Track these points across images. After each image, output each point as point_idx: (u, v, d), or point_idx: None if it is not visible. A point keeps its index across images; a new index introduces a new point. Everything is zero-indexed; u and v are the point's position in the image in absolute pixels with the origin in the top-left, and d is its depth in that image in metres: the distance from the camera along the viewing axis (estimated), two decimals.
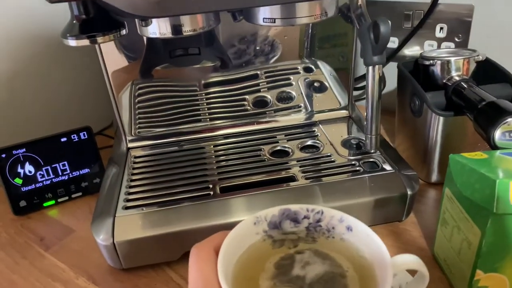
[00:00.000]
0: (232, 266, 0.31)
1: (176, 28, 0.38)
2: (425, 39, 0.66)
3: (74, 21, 0.37)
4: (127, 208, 0.44)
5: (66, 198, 0.56)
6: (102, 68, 0.51)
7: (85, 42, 0.37)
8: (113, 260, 0.43)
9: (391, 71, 0.62)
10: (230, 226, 0.42)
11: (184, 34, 0.39)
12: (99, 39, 0.37)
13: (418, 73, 0.55)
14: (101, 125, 0.73)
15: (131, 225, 0.42)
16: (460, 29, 0.62)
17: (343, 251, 0.33)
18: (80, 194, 0.57)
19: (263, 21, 0.40)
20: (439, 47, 0.65)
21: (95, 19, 0.37)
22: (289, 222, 0.35)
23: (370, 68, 0.42)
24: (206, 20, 0.39)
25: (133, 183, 0.48)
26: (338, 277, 0.31)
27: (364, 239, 0.32)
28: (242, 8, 0.41)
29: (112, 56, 0.50)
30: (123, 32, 0.39)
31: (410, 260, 0.30)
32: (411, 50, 0.67)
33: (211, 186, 0.47)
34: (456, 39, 0.63)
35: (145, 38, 0.49)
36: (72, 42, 0.37)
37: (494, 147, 0.39)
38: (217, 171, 0.49)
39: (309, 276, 0.31)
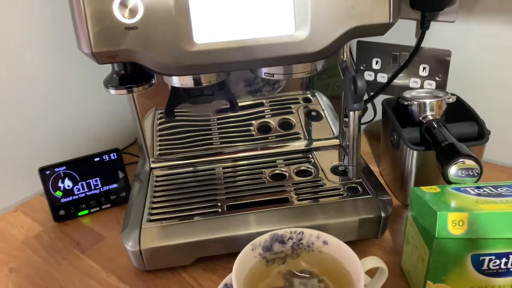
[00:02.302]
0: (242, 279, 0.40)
1: (195, 81, 0.48)
2: (410, 76, 0.75)
3: (114, 75, 0.47)
4: (150, 221, 0.54)
5: (97, 208, 0.67)
6: (133, 110, 0.61)
7: (123, 92, 0.47)
8: (138, 263, 0.53)
9: (378, 102, 0.72)
10: (234, 238, 0.52)
11: (202, 85, 0.49)
12: (135, 89, 0.47)
13: (399, 110, 0.64)
14: (126, 142, 0.83)
15: (154, 235, 0.52)
16: (440, 69, 0.71)
17: (322, 261, 0.43)
18: (109, 205, 0.67)
19: (264, 75, 0.50)
20: (422, 84, 0.74)
21: (131, 74, 0.47)
22: (278, 244, 0.44)
23: (351, 113, 0.51)
24: (218, 75, 0.49)
25: (155, 199, 0.58)
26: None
27: (338, 250, 0.42)
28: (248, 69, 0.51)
29: (142, 100, 0.61)
30: (153, 81, 0.49)
31: (373, 260, 0.40)
32: (399, 83, 0.76)
33: (219, 204, 0.57)
34: (437, 78, 0.72)
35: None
36: (112, 91, 0.47)
37: (448, 182, 0.48)
38: (225, 191, 0.59)
39: None
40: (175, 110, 0.58)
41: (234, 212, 0.55)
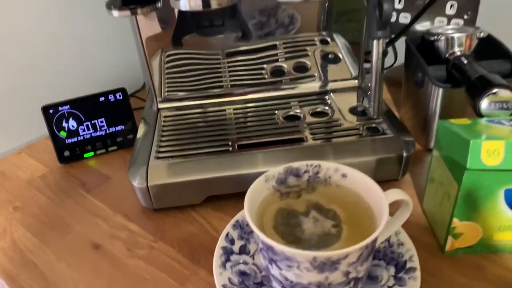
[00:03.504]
0: (255, 213, 0.37)
1: (205, 3, 0.44)
2: (435, 16, 0.69)
3: None
4: (158, 158, 0.52)
5: (104, 150, 0.64)
6: (137, 37, 0.57)
7: (127, 13, 0.43)
8: (146, 201, 0.50)
9: (402, 46, 0.67)
10: (245, 176, 0.50)
11: (211, 8, 0.44)
12: (139, 11, 0.43)
13: (424, 48, 0.59)
14: (133, 88, 0.80)
15: (162, 172, 0.50)
16: (469, 6, 0.65)
17: (339, 195, 0.40)
18: (115, 147, 0.65)
19: None
20: (448, 23, 0.68)
21: None
22: (292, 177, 0.41)
23: (375, 41, 0.47)
24: None
25: (163, 138, 0.56)
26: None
27: (358, 183, 0.39)
28: None
29: (146, 26, 0.56)
30: (159, 5, 0.45)
31: (396, 192, 0.36)
32: (422, 26, 0.71)
33: (230, 143, 0.54)
34: (465, 16, 0.66)
35: (176, 10, 0.55)
36: (115, 13, 0.43)
37: (479, 115, 0.44)
38: (236, 131, 0.56)
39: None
40: (183, 44, 0.54)
41: (246, 151, 0.52)
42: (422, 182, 0.54)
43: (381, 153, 0.50)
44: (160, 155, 0.52)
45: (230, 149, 0.52)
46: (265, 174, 0.40)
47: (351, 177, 0.40)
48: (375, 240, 0.34)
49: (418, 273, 0.38)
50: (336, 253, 0.31)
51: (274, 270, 0.35)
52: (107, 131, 0.64)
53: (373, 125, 0.54)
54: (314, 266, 0.32)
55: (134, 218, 0.51)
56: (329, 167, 0.41)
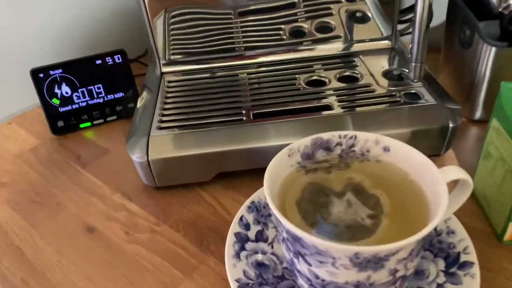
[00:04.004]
0: (275, 197, 0.31)
1: None
2: None
3: None
4: (161, 128, 0.45)
5: (102, 120, 0.57)
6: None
7: None
8: (147, 178, 0.44)
9: (439, 3, 0.58)
10: (261, 150, 0.42)
11: None
12: None
13: (470, 2, 0.50)
14: (135, 53, 0.72)
15: (165, 145, 0.43)
16: None
17: (380, 173, 0.32)
18: (115, 117, 0.58)
19: None
20: None
21: None
22: (322, 151, 0.34)
23: None
24: None
25: (167, 106, 0.48)
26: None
27: (405, 158, 0.31)
28: None
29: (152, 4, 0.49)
30: None
31: (453, 170, 0.29)
32: None
33: (244, 112, 0.46)
34: None
35: None
36: None
37: None
38: (250, 98, 0.49)
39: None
40: (190, 5, 0.46)
41: (263, 121, 0.44)
42: (468, 158, 0.46)
43: (422, 124, 0.43)
44: (163, 125, 0.45)
45: (244, 118, 0.45)
46: (289, 147, 0.33)
47: (396, 151, 0.32)
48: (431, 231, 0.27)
49: (476, 269, 0.31)
50: (385, 248, 0.24)
51: (301, 265, 0.28)
52: (105, 99, 0.57)
53: (412, 91, 0.46)
54: (354, 263, 0.25)
55: (134, 197, 0.45)
56: (367, 138, 0.33)
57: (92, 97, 0.56)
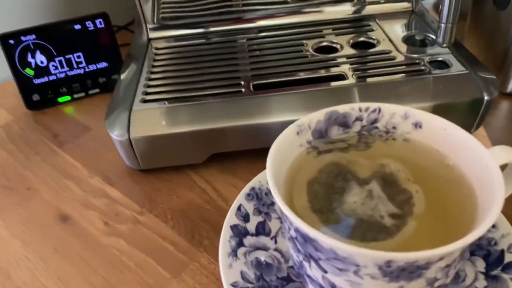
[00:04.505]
0: (281, 184, 0.25)
1: None
2: None
3: None
4: (145, 101, 0.38)
5: (83, 94, 0.51)
6: None
7: None
8: (129, 160, 0.38)
9: None
10: (263, 127, 0.36)
11: None
12: None
13: None
14: (124, 20, 0.65)
15: (150, 120, 0.36)
16: None
17: (409, 155, 0.26)
18: (97, 90, 0.51)
19: None
20: None
21: None
22: (337, 128, 0.28)
23: None
24: None
25: (153, 76, 0.42)
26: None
27: (441, 136, 0.25)
28: None
29: None
30: None
31: (505, 151, 0.23)
32: None
33: (243, 82, 0.40)
34: None
35: None
36: None
37: None
38: (250, 67, 0.42)
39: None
40: None
41: (264, 93, 0.38)
42: (502, 137, 0.40)
43: (451, 96, 0.36)
44: (148, 97, 0.39)
45: (243, 90, 0.39)
46: (298, 123, 0.27)
47: (429, 128, 0.26)
48: None
49: None
50: (426, 254, 0.18)
51: (312, 271, 0.23)
52: (87, 70, 0.50)
53: (439, 58, 0.40)
54: (384, 273, 0.19)
55: (116, 181, 0.39)
56: (394, 111, 0.27)
57: (71, 68, 0.50)
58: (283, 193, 0.24)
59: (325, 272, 0.22)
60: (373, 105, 0.27)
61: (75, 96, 0.51)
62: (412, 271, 0.19)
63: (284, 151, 0.26)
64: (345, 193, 0.24)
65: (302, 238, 0.21)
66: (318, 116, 0.27)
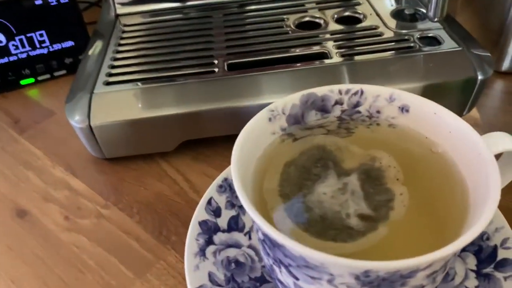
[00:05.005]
0: (249, 177, 0.22)
1: None
2: None
3: None
4: (109, 83, 0.35)
5: (48, 76, 0.47)
6: None
7: None
8: (92, 148, 0.35)
9: None
10: (239, 111, 0.33)
11: None
12: None
13: None
14: None
15: (113, 104, 0.33)
16: None
17: (394, 143, 0.23)
18: (64, 72, 0.48)
19: None
20: None
21: None
22: (315, 113, 0.25)
23: None
24: None
25: (119, 55, 0.38)
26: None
27: (430, 121, 0.22)
28: None
29: None
30: None
31: (501, 138, 0.20)
32: None
33: (216, 61, 0.36)
34: None
35: None
36: None
37: None
38: (225, 44, 0.39)
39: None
40: None
41: (239, 73, 0.35)
42: (495, 119, 0.37)
43: (443, 75, 0.33)
44: (112, 79, 0.35)
45: (217, 70, 0.35)
46: (269, 108, 0.24)
47: (417, 112, 0.23)
48: None
49: None
50: (410, 262, 0.16)
51: (283, 276, 0.20)
52: (51, 49, 0.46)
53: (430, 34, 0.37)
54: (362, 283, 0.17)
55: (80, 171, 0.36)
56: (378, 93, 0.24)
57: (33, 47, 0.46)
58: (251, 185, 0.21)
59: (297, 279, 0.19)
60: (355, 87, 0.24)
61: (39, 78, 0.47)
62: (394, 280, 0.17)
63: (254, 140, 0.23)
64: (318, 181, 0.22)
65: (270, 242, 0.19)
66: (293, 99, 0.24)
